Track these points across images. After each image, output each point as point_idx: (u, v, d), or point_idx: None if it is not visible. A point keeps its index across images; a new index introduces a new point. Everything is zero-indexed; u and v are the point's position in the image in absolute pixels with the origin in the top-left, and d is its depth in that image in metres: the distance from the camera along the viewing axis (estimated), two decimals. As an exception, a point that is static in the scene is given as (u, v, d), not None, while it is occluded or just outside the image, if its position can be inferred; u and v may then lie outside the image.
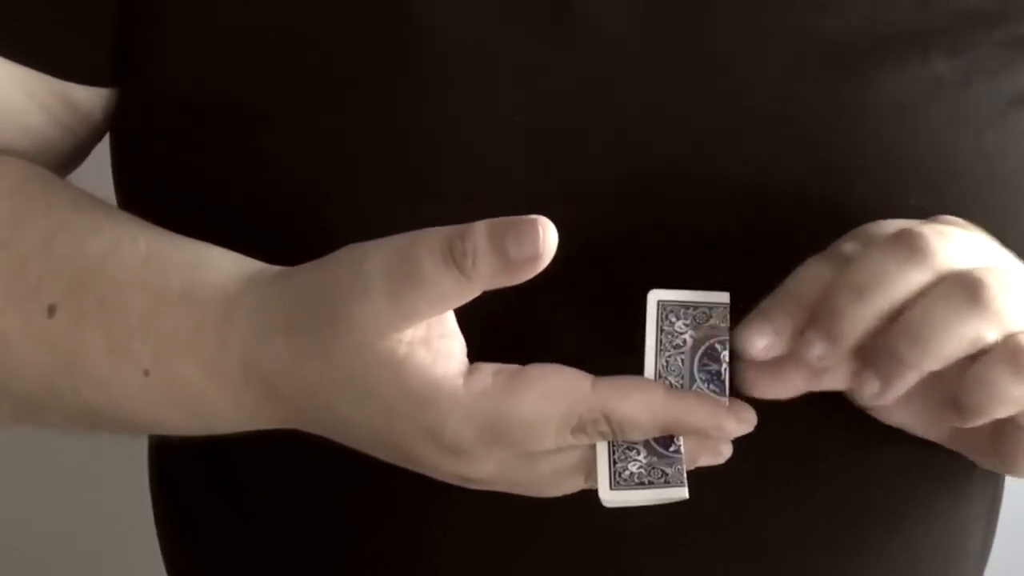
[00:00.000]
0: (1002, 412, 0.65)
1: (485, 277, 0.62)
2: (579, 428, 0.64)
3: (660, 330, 0.66)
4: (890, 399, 0.66)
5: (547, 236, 0.62)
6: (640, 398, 0.64)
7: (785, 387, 0.67)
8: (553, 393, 0.64)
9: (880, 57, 0.71)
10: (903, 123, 0.71)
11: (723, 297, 0.67)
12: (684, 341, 0.66)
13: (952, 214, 0.69)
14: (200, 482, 0.79)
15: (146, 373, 0.69)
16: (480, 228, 0.62)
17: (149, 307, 0.69)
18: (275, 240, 0.70)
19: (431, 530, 0.74)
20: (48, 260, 0.71)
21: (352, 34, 0.70)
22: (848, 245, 0.66)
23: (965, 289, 0.63)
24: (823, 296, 0.65)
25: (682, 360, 0.66)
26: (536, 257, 0.62)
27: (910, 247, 0.64)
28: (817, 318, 0.65)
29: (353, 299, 0.64)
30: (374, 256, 0.64)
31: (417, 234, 0.64)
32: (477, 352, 0.66)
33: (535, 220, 0.62)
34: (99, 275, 0.70)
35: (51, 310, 0.70)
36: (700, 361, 0.66)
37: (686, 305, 0.66)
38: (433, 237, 0.63)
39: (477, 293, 0.63)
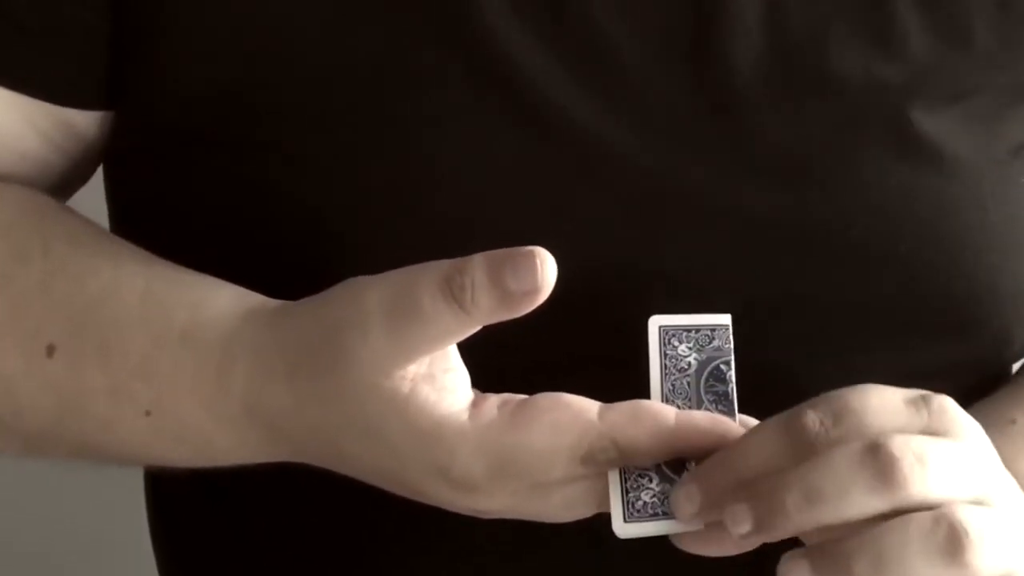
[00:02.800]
0: None
1: (485, 311, 0.61)
2: (589, 457, 0.63)
3: (664, 355, 0.66)
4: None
5: (545, 268, 0.61)
6: (649, 423, 0.63)
7: (715, 549, 0.65)
8: (561, 423, 0.63)
9: (880, 100, 0.71)
10: (901, 170, 0.71)
11: (724, 319, 0.66)
12: (689, 364, 0.66)
13: (945, 263, 0.70)
14: (197, 503, 0.79)
15: (148, 413, 0.68)
16: (478, 261, 0.61)
17: (149, 348, 0.68)
18: (271, 270, 0.70)
19: (430, 556, 0.73)
20: (47, 301, 0.70)
21: (350, 64, 0.70)
22: (811, 418, 0.62)
23: (947, 539, 0.60)
24: (770, 476, 0.61)
25: (688, 383, 0.66)
26: (536, 290, 0.61)
27: (882, 473, 0.60)
28: (755, 497, 0.61)
29: (353, 338, 0.63)
30: (372, 293, 0.63)
31: (414, 269, 0.63)
32: (478, 384, 0.65)
33: (532, 252, 0.61)
34: (98, 315, 0.69)
35: (50, 350, 0.69)
36: (706, 383, 0.66)
37: (688, 328, 0.66)
38: (431, 272, 0.62)
39: (478, 327, 0.63)
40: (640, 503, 0.64)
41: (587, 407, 0.63)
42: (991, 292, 0.72)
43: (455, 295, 0.61)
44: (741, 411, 0.66)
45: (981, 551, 0.60)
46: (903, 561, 0.60)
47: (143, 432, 0.69)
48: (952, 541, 0.60)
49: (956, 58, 0.73)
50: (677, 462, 0.64)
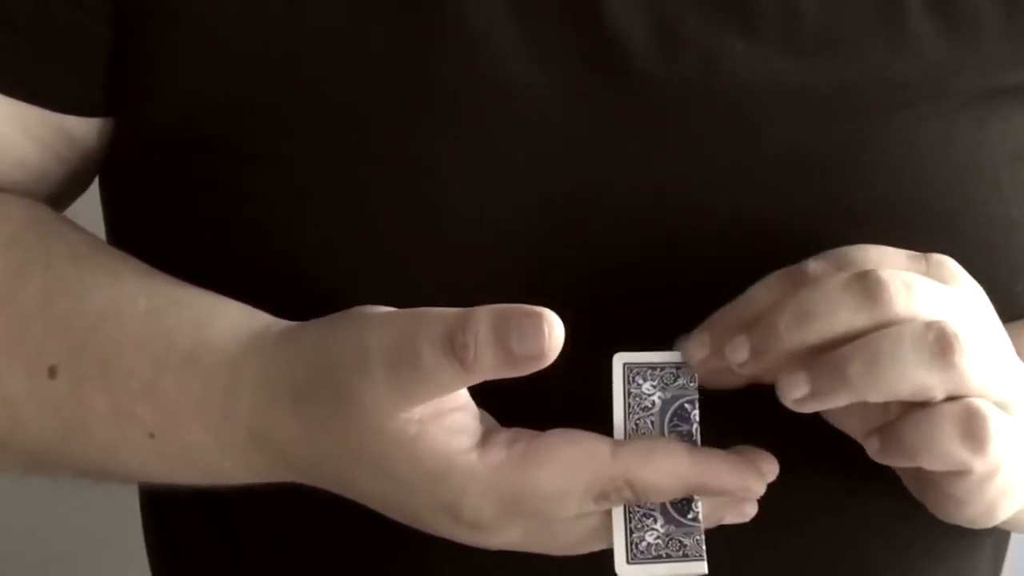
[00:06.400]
0: (926, 464, 0.65)
1: (487, 370, 0.61)
2: (602, 496, 0.64)
3: (627, 393, 0.66)
4: (810, 409, 0.65)
5: (553, 334, 0.60)
6: (663, 463, 0.64)
7: (722, 381, 0.67)
8: (573, 463, 0.63)
9: (894, 99, 0.71)
10: (916, 165, 0.70)
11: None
12: (653, 403, 0.66)
13: (964, 258, 0.69)
14: (193, 510, 0.79)
15: (152, 436, 0.68)
16: (483, 318, 0.61)
17: (152, 372, 0.68)
18: (271, 285, 0.70)
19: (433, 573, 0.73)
20: (47, 321, 0.70)
21: (353, 76, 0.69)
22: (814, 265, 0.66)
23: (936, 340, 0.63)
24: (768, 307, 0.64)
25: (652, 422, 0.66)
26: (541, 356, 0.60)
27: (868, 293, 0.63)
28: (753, 327, 0.64)
29: (355, 381, 0.63)
30: (374, 338, 0.63)
31: (418, 318, 0.62)
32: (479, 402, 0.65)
33: (540, 316, 0.60)
34: (99, 336, 0.69)
35: (52, 371, 0.69)
36: (670, 422, 0.66)
37: (652, 366, 0.66)
38: (434, 326, 0.62)
39: (479, 381, 0.62)
40: (644, 544, 0.64)
41: (599, 445, 0.64)
42: (1010, 289, 0.72)
43: (456, 352, 0.61)
44: (749, 417, 0.66)
45: (970, 355, 0.63)
46: (895, 361, 0.63)
47: (147, 454, 0.69)
48: (942, 342, 0.63)
49: (966, 56, 0.72)
50: (684, 501, 0.65)
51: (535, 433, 0.64)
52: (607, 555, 0.66)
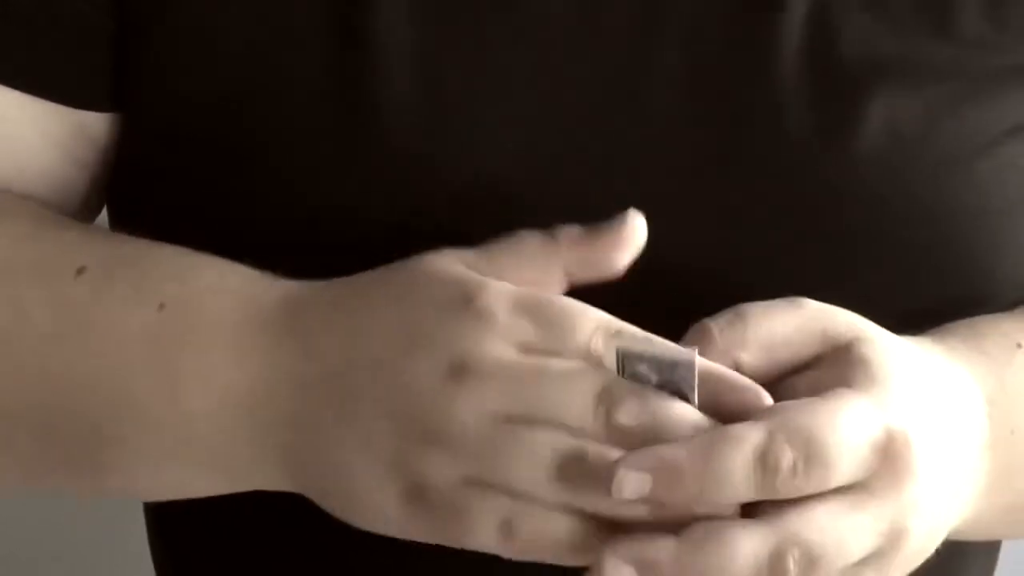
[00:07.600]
0: None
1: (568, 247, 0.64)
2: (615, 333, 0.63)
3: (622, 372, 0.64)
4: None
5: (635, 231, 0.64)
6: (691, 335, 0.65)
7: None
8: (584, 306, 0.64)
9: (872, 85, 0.71)
10: (893, 153, 0.71)
11: (690, 354, 0.63)
12: (649, 380, 0.63)
13: (942, 246, 0.71)
14: (197, 530, 0.79)
15: (161, 307, 0.67)
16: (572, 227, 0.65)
17: (188, 264, 0.68)
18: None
19: None
20: (85, 241, 0.71)
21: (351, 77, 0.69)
22: (787, 458, 0.61)
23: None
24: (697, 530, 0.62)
25: None
26: (620, 246, 0.64)
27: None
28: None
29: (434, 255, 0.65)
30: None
31: None
32: None
33: (628, 214, 0.64)
34: (136, 250, 0.70)
35: (80, 271, 0.69)
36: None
37: (650, 357, 0.64)
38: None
39: (557, 267, 0.65)
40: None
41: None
42: (988, 277, 0.73)
43: (548, 231, 0.64)
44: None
45: None
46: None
47: (142, 350, 0.67)
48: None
49: (948, 42, 0.73)
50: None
51: None
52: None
